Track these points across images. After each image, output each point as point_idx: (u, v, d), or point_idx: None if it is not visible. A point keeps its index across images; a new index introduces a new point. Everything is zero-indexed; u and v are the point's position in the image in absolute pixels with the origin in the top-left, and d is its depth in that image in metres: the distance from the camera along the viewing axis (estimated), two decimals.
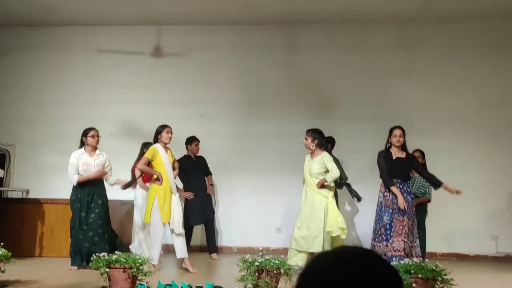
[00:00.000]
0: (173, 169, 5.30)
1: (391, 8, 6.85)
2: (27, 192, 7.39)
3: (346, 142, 7.03)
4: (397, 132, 5.16)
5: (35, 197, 6.82)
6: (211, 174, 6.74)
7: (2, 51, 7.83)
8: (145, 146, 6.41)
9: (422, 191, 5.92)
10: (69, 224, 5.52)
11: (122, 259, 3.99)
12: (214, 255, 6.38)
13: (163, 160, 5.08)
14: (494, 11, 6.87)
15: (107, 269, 3.96)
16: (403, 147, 5.22)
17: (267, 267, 3.96)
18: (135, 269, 3.98)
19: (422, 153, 6.08)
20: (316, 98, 7.34)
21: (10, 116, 7.64)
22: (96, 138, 5.37)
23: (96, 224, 5.31)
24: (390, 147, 5.25)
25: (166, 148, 5.22)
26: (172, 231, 5.13)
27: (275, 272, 3.98)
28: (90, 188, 5.35)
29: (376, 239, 5.06)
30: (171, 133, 5.18)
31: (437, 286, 3.99)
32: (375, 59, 7.29)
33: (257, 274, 3.96)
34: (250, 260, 4.02)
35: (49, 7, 7.03)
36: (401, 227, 4.94)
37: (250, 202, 7.26)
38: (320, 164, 5.11)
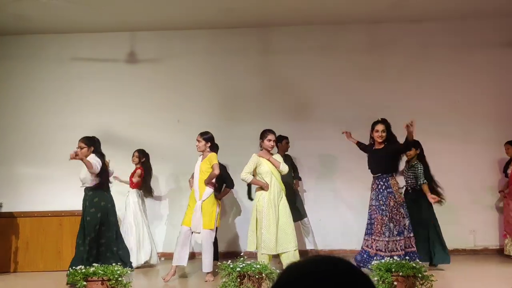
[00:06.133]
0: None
1: (362, 10, 6.91)
2: (1, 206, 7.16)
3: (322, 143, 7.08)
4: (379, 127, 5.03)
5: (8, 211, 6.64)
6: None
7: None
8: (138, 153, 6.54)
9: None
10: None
11: (100, 271, 3.90)
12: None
13: (194, 168, 5.67)
14: (462, 11, 7.01)
15: (84, 283, 3.87)
16: (390, 141, 4.98)
17: (248, 272, 3.94)
18: (113, 281, 3.90)
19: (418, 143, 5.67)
20: (292, 101, 7.36)
21: None
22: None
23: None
24: (373, 143, 5.16)
25: (203, 155, 5.64)
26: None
27: (257, 277, 3.96)
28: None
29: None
30: (197, 142, 5.63)
31: (417, 283, 4.04)
32: (348, 61, 7.34)
33: (239, 279, 3.93)
34: (231, 266, 3.99)
35: (19, 15, 6.86)
36: (379, 226, 4.95)
37: (232, 207, 7.21)
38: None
